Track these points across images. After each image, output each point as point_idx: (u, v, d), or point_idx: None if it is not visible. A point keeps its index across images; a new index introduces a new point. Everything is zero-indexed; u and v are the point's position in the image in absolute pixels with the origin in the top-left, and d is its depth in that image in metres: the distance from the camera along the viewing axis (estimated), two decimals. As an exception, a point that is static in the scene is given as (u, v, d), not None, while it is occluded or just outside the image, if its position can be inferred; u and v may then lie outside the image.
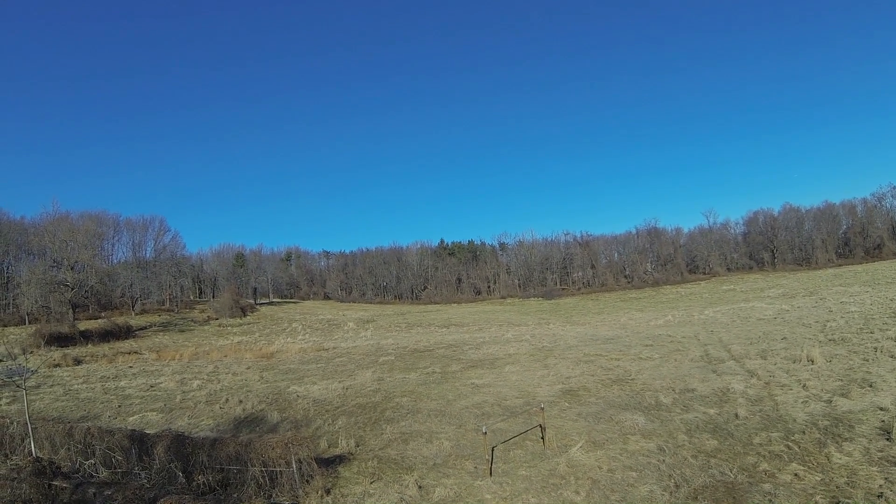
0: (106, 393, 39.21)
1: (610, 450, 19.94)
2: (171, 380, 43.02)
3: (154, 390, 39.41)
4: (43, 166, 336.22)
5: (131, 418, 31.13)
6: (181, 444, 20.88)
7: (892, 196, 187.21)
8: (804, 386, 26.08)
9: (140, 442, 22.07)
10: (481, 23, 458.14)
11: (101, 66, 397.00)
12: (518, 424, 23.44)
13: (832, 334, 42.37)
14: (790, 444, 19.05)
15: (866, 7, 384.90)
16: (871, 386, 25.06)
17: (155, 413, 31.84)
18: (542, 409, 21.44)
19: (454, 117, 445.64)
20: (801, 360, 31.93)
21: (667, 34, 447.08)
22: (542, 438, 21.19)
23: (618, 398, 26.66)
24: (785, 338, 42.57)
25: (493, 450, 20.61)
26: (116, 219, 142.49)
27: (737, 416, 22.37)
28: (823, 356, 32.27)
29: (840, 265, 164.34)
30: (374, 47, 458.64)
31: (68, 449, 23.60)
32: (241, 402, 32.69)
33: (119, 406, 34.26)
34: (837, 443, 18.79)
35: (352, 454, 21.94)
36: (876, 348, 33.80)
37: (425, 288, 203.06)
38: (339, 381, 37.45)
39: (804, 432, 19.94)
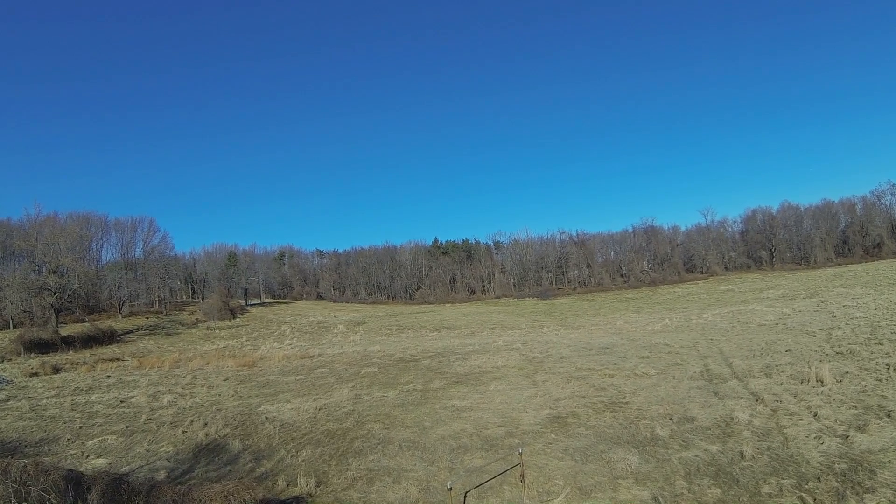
0: (73, 409, 37.12)
1: (598, 500, 17.56)
2: (145, 393, 41.01)
3: (123, 406, 37.32)
4: (30, 167, 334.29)
5: (90, 442, 28.87)
6: (117, 490, 18.60)
7: (891, 194, 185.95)
8: (815, 415, 23.69)
9: (76, 484, 19.80)
10: (475, 20, 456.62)
11: (89, 65, 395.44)
12: (497, 461, 21.07)
13: (838, 345, 40.11)
14: (804, 494, 16.65)
15: (865, 4, 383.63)
16: (888, 416, 22.66)
17: (115, 437, 29.57)
18: (520, 453, 19.02)
19: (448, 115, 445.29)
20: (809, 381, 29.56)
21: (662, 31, 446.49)
22: (522, 479, 18.83)
23: (610, 429, 24.23)
24: (789, 350, 40.27)
25: (465, 496, 18.26)
26: (104, 219, 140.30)
27: (742, 455, 19.96)
28: (833, 375, 29.89)
29: (839, 264, 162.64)
30: (368, 45, 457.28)
31: (5, 488, 21.31)
32: (205, 424, 30.41)
33: (80, 427, 32.05)
34: (858, 493, 16.40)
35: (311, 495, 19.65)
36: (888, 365, 31.47)
37: (419, 287, 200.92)
38: (315, 399, 35.15)
39: (819, 479, 17.56)
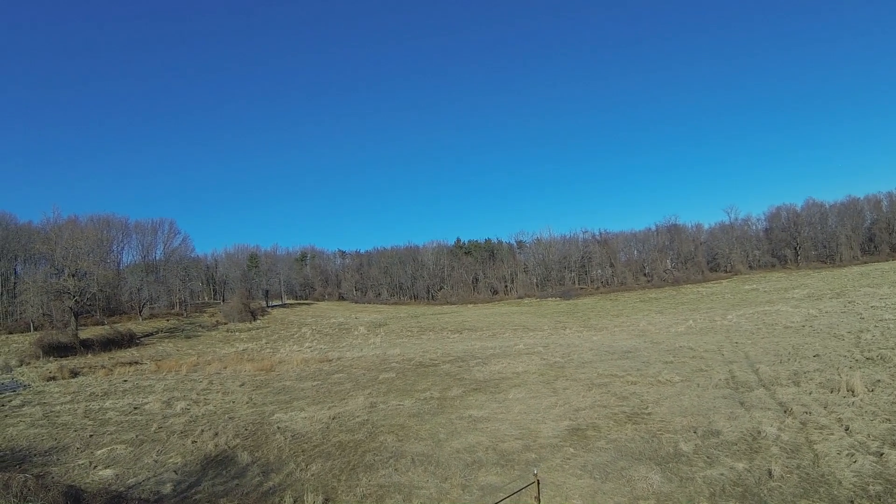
0: (86, 416, 36.65)
1: (618, 524, 16.65)
2: (159, 399, 40.55)
3: (136, 413, 36.78)
4: (52, 171, 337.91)
5: (99, 452, 28.30)
6: (116, 508, 18.03)
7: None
8: (847, 429, 22.56)
9: (76, 500, 19.51)
10: (496, 20, 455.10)
11: (110, 69, 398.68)
12: (513, 478, 20.19)
13: (868, 350, 38.90)
14: (838, 521, 15.68)
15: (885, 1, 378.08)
16: (926, 431, 21.58)
17: (124, 446, 28.96)
18: (535, 474, 18.04)
19: (470, 115, 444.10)
20: (839, 390, 28.42)
21: (684, 30, 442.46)
22: (538, 501, 17.88)
23: (631, 443, 23.22)
24: (817, 355, 39.05)
25: (479, 519, 17.41)
26: (125, 222, 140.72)
27: (770, 474, 18.89)
28: (864, 384, 28.73)
29: (866, 262, 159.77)
30: (390, 45, 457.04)
31: (6, 502, 20.89)
32: (216, 434, 29.77)
33: (91, 435, 31.49)
34: (895, 521, 15.42)
35: (318, 515, 18.93)
36: (923, 373, 30.31)
37: (441, 288, 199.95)
38: (329, 407, 34.45)
39: (853, 502, 16.51)
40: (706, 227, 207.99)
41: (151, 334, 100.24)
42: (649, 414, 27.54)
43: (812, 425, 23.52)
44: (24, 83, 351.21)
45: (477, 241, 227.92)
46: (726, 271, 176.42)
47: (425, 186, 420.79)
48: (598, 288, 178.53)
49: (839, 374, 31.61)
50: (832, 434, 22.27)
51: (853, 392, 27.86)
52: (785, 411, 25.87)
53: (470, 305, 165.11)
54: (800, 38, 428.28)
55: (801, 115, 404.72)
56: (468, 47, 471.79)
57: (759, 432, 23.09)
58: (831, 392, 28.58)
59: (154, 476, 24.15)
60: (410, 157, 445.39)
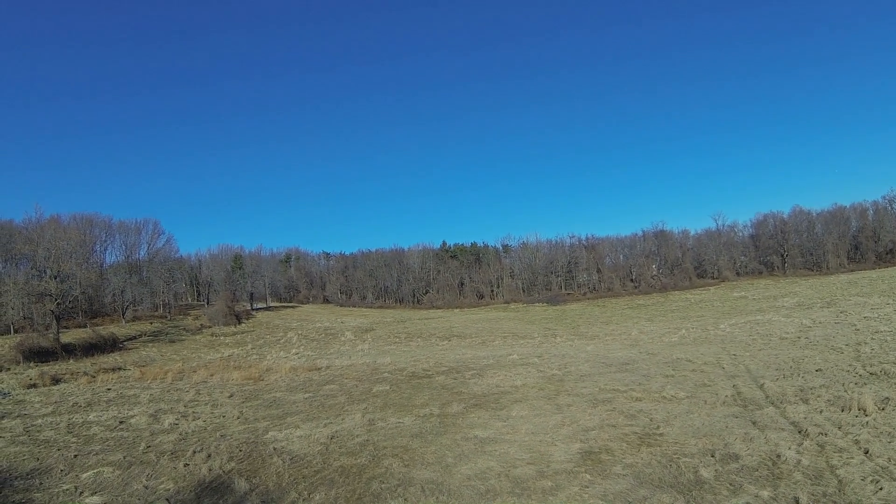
0: (69, 432, 35.03)
1: (648, 564, 15.77)
2: (145, 412, 39.16)
3: (122, 429, 35.33)
4: (35, 169, 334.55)
5: (84, 475, 26.80)
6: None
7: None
8: (867, 452, 21.82)
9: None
10: (485, 29, 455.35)
11: (93, 66, 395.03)
12: (530, 509, 19.27)
13: (870, 364, 38.41)
14: (877, 558, 14.90)
15: (877, 9, 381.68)
16: (946, 455, 20.91)
17: (111, 469, 27.49)
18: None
19: (459, 119, 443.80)
20: (850, 409, 27.76)
21: (672, 39, 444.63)
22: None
23: (648, 468, 22.25)
24: (820, 369, 38.51)
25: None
26: (108, 221, 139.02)
27: (798, 503, 18.14)
28: (875, 402, 28.13)
29: (852, 270, 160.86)
30: (377, 52, 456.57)
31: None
32: (209, 456, 28.46)
33: (76, 455, 29.92)
34: (936, 557, 14.66)
35: (327, 550, 17.90)
36: (930, 391, 29.78)
37: (427, 292, 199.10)
38: (325, 425, 33.28)
39: (888, 537, 15.78)
40: (693, 233, 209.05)
41: (135, 338, 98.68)
42: (661, 435, 26.70)
43: (830, 448, 22.77)
44: (5, 81, 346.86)
45: (463, 244, 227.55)
46: (713, 277, 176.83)
47: (411, 189, 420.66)
48: (584, 294, 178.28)
49: (846, 391, 31.09)
50: (852, 458, 21.53)
51: (865, 411, 27.22)
52: (800, 432, 25.13)
53: (456, 310, 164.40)
54: (787, 49, 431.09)
55: (788, 124, 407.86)
56: (455, 54, 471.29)
57: (779, 456, 22.27)
58: (842, 411, 27.93)
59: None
60: (396, 159, 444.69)
